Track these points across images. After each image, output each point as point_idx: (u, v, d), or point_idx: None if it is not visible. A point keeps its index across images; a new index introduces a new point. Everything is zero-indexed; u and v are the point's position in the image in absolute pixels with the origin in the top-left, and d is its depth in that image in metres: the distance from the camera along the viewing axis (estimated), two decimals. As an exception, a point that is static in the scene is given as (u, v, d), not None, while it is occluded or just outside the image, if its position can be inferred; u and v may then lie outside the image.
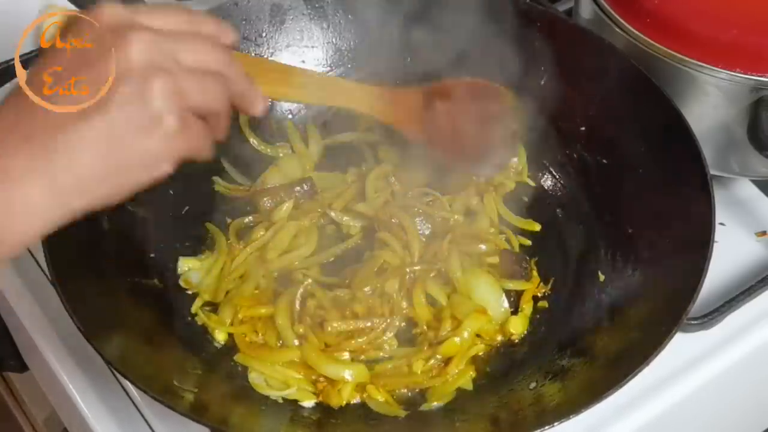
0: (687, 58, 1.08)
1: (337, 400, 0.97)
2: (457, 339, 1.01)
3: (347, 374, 0.98)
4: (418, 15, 1.26)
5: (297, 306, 1.03)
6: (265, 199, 1.14)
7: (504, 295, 1.07)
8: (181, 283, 1.08)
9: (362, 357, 1.01)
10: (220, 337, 1.03)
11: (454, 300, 1.05)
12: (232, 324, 1.04)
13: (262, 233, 1.12)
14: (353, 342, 1.01)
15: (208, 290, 1.07)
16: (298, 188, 1.15)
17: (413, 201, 1.14)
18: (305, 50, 1.26)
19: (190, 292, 1.07)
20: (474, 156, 1.12)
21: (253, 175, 1.19)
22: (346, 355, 1.00)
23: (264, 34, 1.24)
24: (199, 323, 1.04)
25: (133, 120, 0.68)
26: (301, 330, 1.01)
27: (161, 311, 1.03)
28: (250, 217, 1.15)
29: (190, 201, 1.14)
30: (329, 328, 1.01)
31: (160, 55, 0.69)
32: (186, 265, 1.09)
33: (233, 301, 1.05)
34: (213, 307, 1.07)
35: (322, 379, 0.99)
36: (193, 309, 1.05)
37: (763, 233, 1.18)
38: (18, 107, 0.68)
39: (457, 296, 1.05)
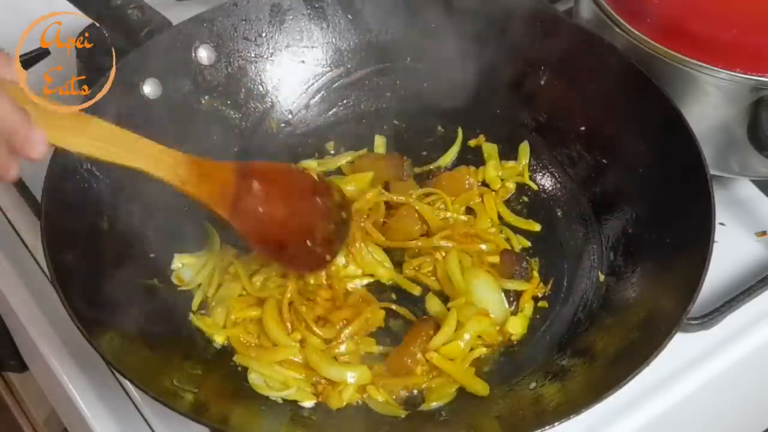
0: (687, 58, 1.08)
1: (337, 402, 0.97)
2: (460, 342, 1.01)
3: (349, 377, 0.98)
4: (417, 15, 1.26)
5: (286, 313, 1.02)
6: None
7: (504, 295, 1.07)
8: (174, 279, 1.08)
9: (362, 350, 1.02)
10: (219, 339, 1.03)
11: (456, 303, 1.05)
12: (225, 326, 1.04)
13: None
14: (350, 329, 1.01)
15: (200, 287, 1.07)
16: None
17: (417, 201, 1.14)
18: (305, 50, 1.26)
19: (190, 293, 1.07)
20: (291, 250, 1.03)
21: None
22: (343, 348, 1.01)
23: (264, 34, 1.24)
24: (194, 324, 1.04)
25: None
26: (298, 336, 1.01)
27: (161, 311, 1.03)
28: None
29: (190, 201, 1.14)
30: (318, 299, 1.02)
31: None
32: (180, 261, 1.09)
33: (225, 302, 1.05)
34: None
35: (323, 381, 0.99)
36: (193, 306, 1.06)
37: (763, 233, 1.17)
38: None
39: (459, 299, 1.05)
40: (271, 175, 1.03)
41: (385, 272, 1.09)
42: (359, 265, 1.09)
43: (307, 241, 1.03)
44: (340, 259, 1.07)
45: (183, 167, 0.94)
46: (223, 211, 0.98)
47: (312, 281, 1.06)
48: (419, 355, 1.00)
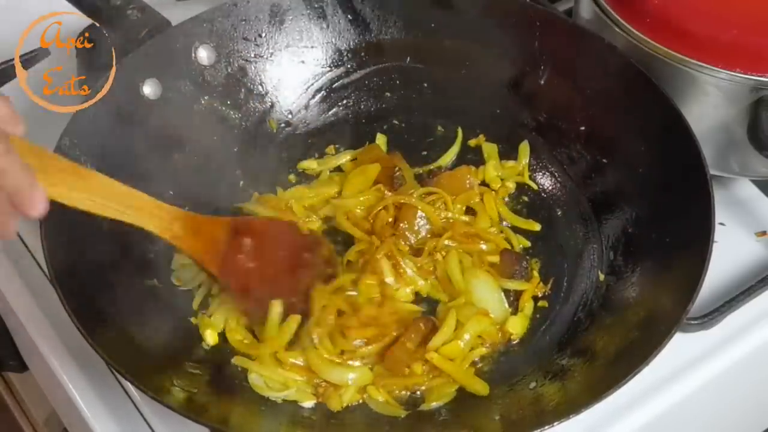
0: (687, 58, 1.08)
1: (337, 403, 0.97)
2: (460, 342, 1.01)
3: (350, 378, 0.98)
4: (417, 15, 1.26)
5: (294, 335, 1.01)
6: None
7: (504, 294, 1.07)
8: (173, 279, 1.08)
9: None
10: (210, 339, 1.02)
11: (456, 303, 1.05)
12: (225, 327, 1.03)
13: None
14: (368, 349, 1.01)
15: (200, 287, 1.07)
16: None
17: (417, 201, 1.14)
18: (305, 50, 1.26)
19: (190, 293, 1.07)
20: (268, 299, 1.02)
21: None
22: (357, 363, 1.00)
23: (263, 35, 1.24)
24: (194, 323, 1.04)
25: None
26: (314, 336, 1.01)
27: (161, 311, 1.03)
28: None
29: (190, 201, 1.14)
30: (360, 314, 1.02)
31: None
32: (180, 261, 1.09)
33: (226, 303, 1.04)
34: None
35: (323, 383, 0.99)
36: (193, 306, 1.06)
37: (763, 233, 1.17)
38: None
39: (459, 299, 1.05)
40: (262, 232, 1.05)
41: (425, 285, 1.08)
42: (407, 283, 1.07)
43: (290, 296, 1.03)
44: (390, 279, 1.06)
45: (177, 223, 0.96)
46: (213, 268, 0.99)
47: (364, 294, 1.05)
48: (412, 349, 0.99)
